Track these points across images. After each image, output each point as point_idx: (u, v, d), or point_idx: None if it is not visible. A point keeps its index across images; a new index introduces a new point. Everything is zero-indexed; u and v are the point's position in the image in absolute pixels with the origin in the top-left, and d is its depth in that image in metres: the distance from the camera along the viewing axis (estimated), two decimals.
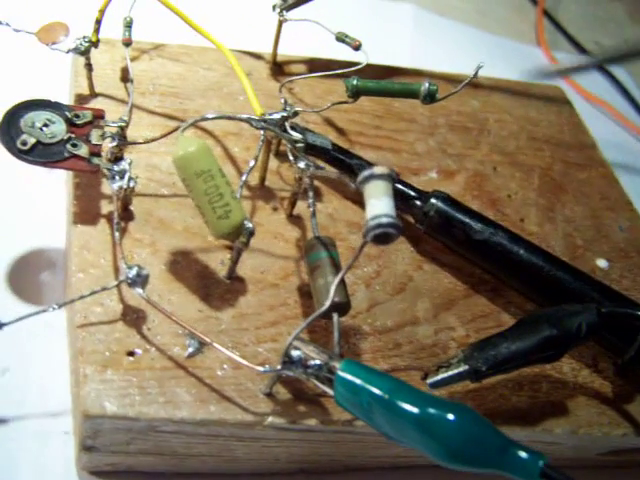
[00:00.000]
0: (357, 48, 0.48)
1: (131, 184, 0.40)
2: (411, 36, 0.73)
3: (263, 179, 0.46)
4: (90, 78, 0.46)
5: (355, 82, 0.45)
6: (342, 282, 0.37)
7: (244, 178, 0.41)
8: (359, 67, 0.47)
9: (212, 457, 0.38)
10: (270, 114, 0.43)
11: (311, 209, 0.42)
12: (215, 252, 0.41)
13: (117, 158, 0.41)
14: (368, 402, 0.33)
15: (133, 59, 0.49)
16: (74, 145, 0.40)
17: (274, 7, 0.50)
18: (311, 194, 0.42)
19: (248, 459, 0.39)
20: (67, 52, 0.45)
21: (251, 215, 0.44)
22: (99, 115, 0.42)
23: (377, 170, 0.32)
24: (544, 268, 0.44)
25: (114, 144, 0.41)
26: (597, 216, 0.53)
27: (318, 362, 0.34)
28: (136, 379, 0.35)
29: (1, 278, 0.42)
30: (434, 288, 0.45)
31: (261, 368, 0.35)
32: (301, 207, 0.45)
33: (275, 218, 0.45)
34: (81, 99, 0.46)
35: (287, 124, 0.44)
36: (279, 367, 0.35)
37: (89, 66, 0.46)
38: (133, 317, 0.38)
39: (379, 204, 0.32)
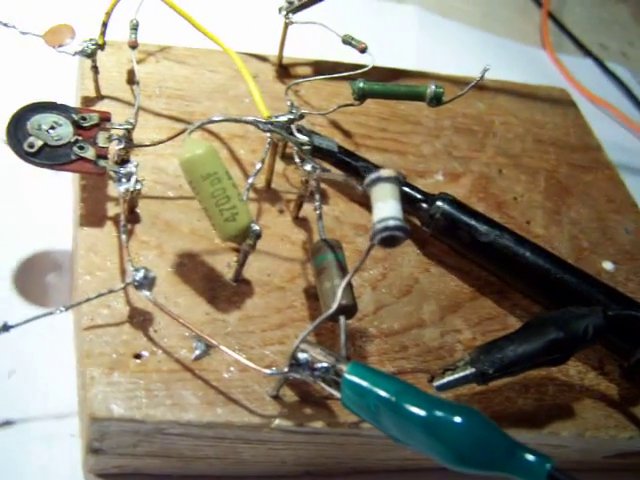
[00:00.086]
0: (363, 51, 0.48)
1: (137, 186, 0.40)
2: (416, 38, 0.73)
3: (269, 182, 0.46)
4: (96, 80, 0.46)
5: (361, 85, 0.45)
6: (349, 285, 0.37)
7: (250, 181, 0.41)
8: (365, 70, 0.47)
9: (219, 460, 0.38)
10: (276, 117, 0.43)
11: (317, 212, 0.42)
12: (222, 254, 0.41)
13: (123, 160, 0.41)
14: (375, 405, 0.33)
15: (139, 61, 0.49)
16: (81, 147, 0.40)
17: (280, 9, 0.50)
18: (317, 197, 0.42)
19: (254, 462, 0.39)
20: (73, 55, 0.45)
21: (257, 218, 0.44)
22: (105, 117, 0.42)
23: (384, 173, 0.32)
24: (550, 271, 0.44)
25: (121, 146, 0.41)
26: (603, 218, 0.53)
27: (325, 365, 0.34)
28: (143, 381, 0.35)
29: (8, 280, 0.43)
30: (440, 291, 0.45)
31: (268, 371, 0.35)
32: (307, 210, 0.45)
33: (281, 221, 0.45)
34: (87, 101, 0.46)
35: (293, 127, 0.44)
36: (286, 370, 0.35)
37: (95, 68, 0.46)
38: (140, 319, 0.38)
39: (386, 207, 0.32)
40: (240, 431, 0.36)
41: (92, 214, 0.41)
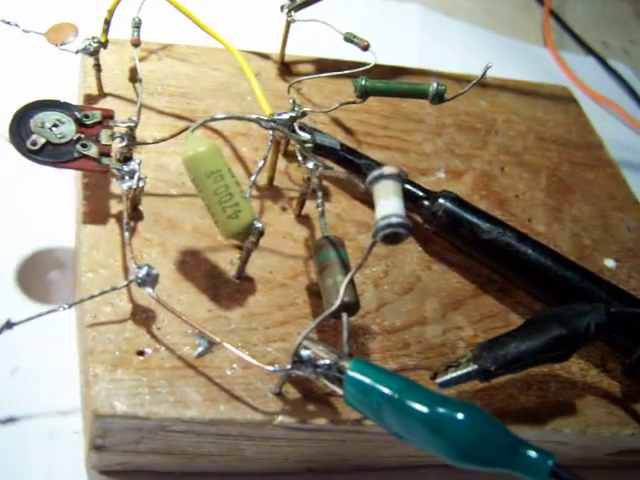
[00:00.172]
0: (365, 48, 0.48)
1: (140, 184, 0.40)
2: (418, 36, 0.73)
3: (272, 179, 0.46)
4: (99, 78, 0.46)
5: (363, 82, 0.45)
6: (351, 282, 0.37)
7: (253, 178, 0.41)
8: (367, 67, 0.47)
9: (221, 456, 0.38)
10: (279, 114, 0.43)
11: (320, 209, 0.42)
12: (224, 252, 0.42)
13: (126, 158, 0.41)
14: (377, 401, 0.33)
15: (142, 59, 0.49)
16: (84, 145, 0.40)
17: (282, 7, 0.50)
18: (320, 194, 0.42)
19: (257, 458, 0.39)
20: (76, 53, 0.45)
21: (260, 215, 0.44)
22: (108, 115, 0.42)
23: (386, 170, 0.32)
24: (552, 268, 0.44)
25: (123, 144, 0.41)
26: (605, 216, 0.53)
27: (327, 362, 0.34)
28: (146, 378, 0.36)
29: (11, 278, 0.43)
30: (442, 288, 0.45)
31: (270, 368, 0.35)
32: (310, 207, 0.45)
33: (284, 218, 0.45)
34: (90, 99, 0.46)
35: (296, 124, 0.44)
36: (289, 367, 0.35)
37: (98, 66, 0.46)
38: (143, 317, 0.38)
39: (388, 204, 0.32)
40: (243, 428, 0.36)
41: (95, 212, 0.41)
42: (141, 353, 0.36)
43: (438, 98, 0.44)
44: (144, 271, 0.36)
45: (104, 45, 0.46)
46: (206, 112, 0.48)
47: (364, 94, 0.45)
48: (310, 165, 0.42)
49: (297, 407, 0.37)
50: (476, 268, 0.46)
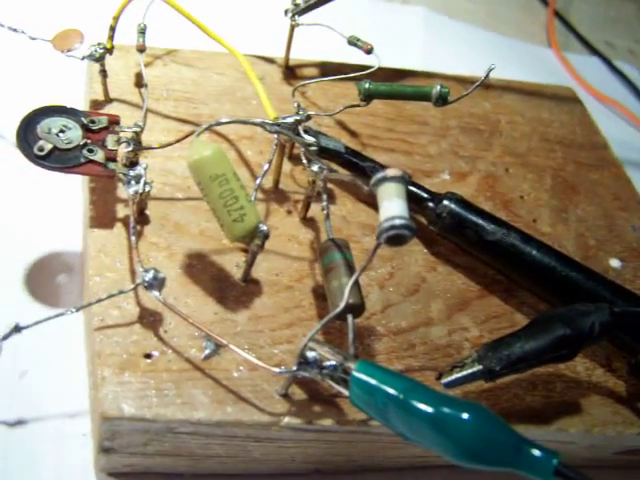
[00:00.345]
0: (369, 52, 0.48)
1: (146, 188, 0.40)
2: (422, 39, 0.73)
3: (277, 182, 0.46)
4: (105, 84, 0.47)
5: (367, 85, 0.45)
6: (356, 284, 0.38)
7: (258, 182, 0.42)
8: (371, 70, 0.48)
9: (229, 458, 0.39)
10: (283, 118, 0.43)
11: (325, 212, 0.42)
12: (230, 255, 0.42)
13: (132, 163, 0.42)
14: (383, 402, 0.33)
15: (147, 65, 0.50)
16: (90, 150, 0.40)
17: (286, 12, 0.51)
18: (325, 197, 0.42)
19: (265, 460, 0.39)
20: (82, 59, 0.45)
21: (265, 218, 0.44)
22: (114, 121, 0.42)
23: (390, 172, 0.33)
24: (557, 268, 0.44)
25: (129, 149, 0.42)
26: (610, 216, 0.53)
27: (333, 363, 0.35)
28: (153, 381, 0.36)
29: (19, 281, 0.43)
30: (448, 289, 0.45)
31: (277, 369, 0.35)
32: (315, 210, 0.45)
33: (289, 221, 0.45)
34: (96, 105, 0.47)
35: (300, 128, 0.45)
36: (295, 368, 0.35)
37: (104, 72, 0.46)
38: (150, 320, 0.38)
39: (392, 206, 0.32)
40: (250, 429, 0.36)
41: (102, 216, 0.41)
42: (148, 356, 0.37)
43: (441, 100, 0.45)
44: (151, 274, 0.36)
45: (110, 51, 0.46)
46: (211, 116, 0.48)
47: (368, 97, 0.46)
48: (315, 168, 0.42)
49: (303, 408, 0.37)
50: (481, 269, 0.46)
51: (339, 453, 0.40)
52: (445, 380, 0.38)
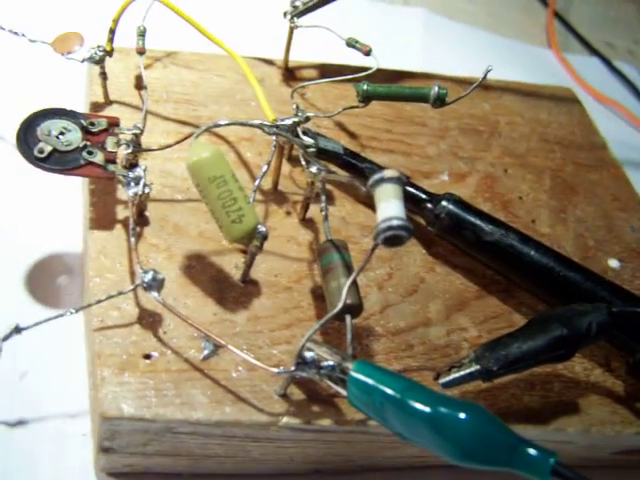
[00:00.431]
0: (367, 53, 0.48)
1: (146, 190, 0.40)
2: (422, 40, 0.73)
3: (276, 184, 0.46)
4: (105, 86, 0.47)
5: (365, 87, 0.46)
6: (354, 284, 0.38)
7: (257, 183, 0.42)
8: (370, 72, 0.48)
9: (228, 458, 0.39)
10: (282, 119, 0.43)
11: (323, 213, 0.42)
12: (229, 256, 0.42)
13: (132, 165, 0.42)
14: (381, 402, 0.34)
15: (147, 67, 0.50)
16: (90, 152, 0.40)
17: (285, 14, 0.51)
18: (323, 198, 0.42)
19: (264, 460, 0.39)
20: (82, 61, 0.46)
21: (264, 219, 0.45)
22: (114, 123, 0.42)
23: (387, 173, 0.33)
24: (555, 269, 0.44)
25: (129, 151, 0.42)
26: (608, 216, 0.53)
27: (331, 363, 0.35)
28: (152, 381, 0.36)
29: (20, 283, 0.43)
30: (446, 290, 0.45)
31: (275, 369, 0.36)
32: (314, 211, 0.45)
33: (288, 222, 0.45)
34: (96, 107, 0.47)
35: (299, 129, 0.45)
36: (293, 368, 0.35)
37: (104, 75, 0.47)
38: (149, 321, 0.38)
39: (389, 207, 0.32)
40: (248, 429, 0.36)
41: (102, 218, 0.42)
42: (148, 356, 0.37)
43: (439, 102, 0.45)
44: (150, 275, 0.37)
45: (109, 54, 0.46)
46: (211, 118, 0.49)
47: (366, 98, 0.46)
48: (313, 169, 0.42)
49: (302, 408, 0.37)
50: (479, 270, 0.47)
51: (338, 453, 0.40)
52: (443, 380, 0.38)
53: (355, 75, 0.48)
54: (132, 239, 0.39)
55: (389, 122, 0.54)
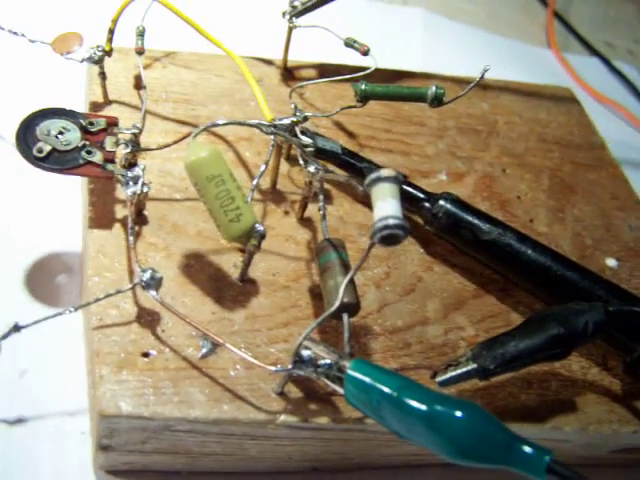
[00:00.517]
0: (365, 53, 0.48)
1: (144, 189, 0.40)
2: (422, 40, 0.74)
3: (274, 183, 0.47)
4: (104, 86, 0.47)
5: (363, 87, 0.46)
6: (351, 283, 0.38)
7: (255, 182, 0.42)
8: (368, 72, 0.48)
9: (226, 456, 0.39)
10: (280, 119, 0.44)
11: (321, 212, 0.42)
12: (228, 255, 0.42)
13: (131, 164, 0.42)
14: (377, 400, 0.34)
15: (146, 67, 0.50)
16: (88, 152, 0.40)
17: (284, 14, 0.51)
18: (321, 197, 0.43)
19: (262, 458, 0.40)
20: (81, 61, 0.46)
21: (263, 218, 0.45)
22: (113, 122, 0.42)
23: (384, 173, 0.33)
24: (552, 268, 0.45)
25: (128, 150, 0.42)
26: (606, 216, 0.54)
27: (328, 361, 0.35)
28: (151, 379, 0.36)
29: (20, 282, 0.43)
30: (444, 289, 0.45)
31: (272, 368, 0.36)
32: (312, 210, 0.45)
33: (286, 221, 0.45)
34: (96, 107, 0.47)
35: (297, 129, 0.45)
36: (290, 366, 0.35)
37: (103, 75, 0.47)
38: (148, 319, 0.38)
39: (386, 206, 0.32)
40: (246, 427, 0.37)
41: (101, 217, 0.42)
42: (146, 355, 0.37)
43: (437, 101, 0.45)
44: (148, 274, 0.37)
45: (108, 53, 0.46)
46: (210, 118, 0.49)
47: (364, 98, 0.46)
48: (311, 169, 0.43)
49: (299, 406, 0.37)
50: (477, 269, 0.47)
51: (335, 451, 0.40)
52: (440, 379, 0.38)
53: (353, 75, 0.48)
54: (131, 238, 0.39)
55: (388, 122, 0.54)
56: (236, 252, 0.42)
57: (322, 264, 0.40)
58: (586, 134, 0.59)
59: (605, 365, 0.44)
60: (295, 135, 0.45)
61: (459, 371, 0.38)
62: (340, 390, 0.35)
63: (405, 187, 0.46)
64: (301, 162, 0.44)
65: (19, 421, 0.39)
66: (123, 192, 0.41)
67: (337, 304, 0.35)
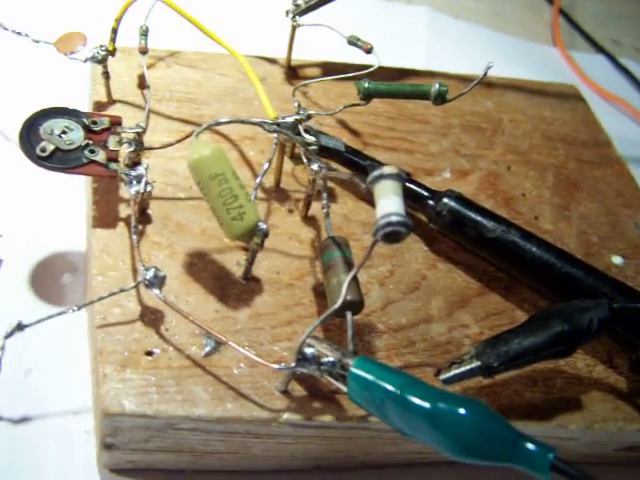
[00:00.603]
0: (369, 51, 0.48)
1: (148, 188, 0.40)
2: (426, 39, 0.74)
3: (278, 181, 0.47)
4: (108, 86, 0.47)
5: (366, 84, 0.46)
6: (355, 281, 0.38)
7: (258, 181, 0.42)
8: (371, 70, 0.48)
9: (229, 454, 0.39)
10: (283, 117, 0.44)
11: (325, 210, 0.42)
12: (231, 253, 0.42)
13: (134, 163, 0.42)
14: (381, 398, 0.34)
15: (150, 66, 0.50)
16: (92, 151, 0.41)
17: (287, 12, 0.51)
18: (325, 195, 0.43)
19: (265, 456, 0.40)
20: (85, 61, 0.46)
21: (267, 217, 0.45)
22: (116, 122, 0.43)
23: (386, 170, 0.33)
24: (556, 265, 0.44)
25: (131, 149, 0.42)
26: (612, 213, 0.53)
27: (331, 359, 0.35)
28: (154, 378, 0.36)
29: (24, 281, 0.44)
30: (448, 286, 0.45)
31: (276, 366, 0.36)
32: (316, 209, 0.45)
33: (290, 220, 0.45)
34: (100, 106, 0.47)
35: (301, 127, 0.45)
36: (293, 364, 0.35)
37: (106, 74, 0.47)
38: (151, 318, 0.38)
39: (389, 203, 0.32)
40: (250, 425, 0.37)
41: (104, 216, 0.42)
42: (149, 353, 0.37)
43: (440, 99, 0.45)
44: (151, 273, 0.37)
45: (112, 53, 0.46)
46: (213, 117, 0.49)
47: (367, 96, 0.46)
48: (314, 167, 0.43)
49: (303, 404, 0.37)
50: (481, 266, 0.47)
51: (339, 449, 0.40)
52: (443, 376, 0.38)
53: (357, 73, 0.48)
54: (134, 237, 0.39)
55: (392, 120, 0.54)
56: (239, 251, 0.42)
57: (326, 262, 0.40)
58: (591, 131, 0.59)
59: (611, 363, 0.44)
60: (298, 133, 0.45)
61: (463, 369, 0.38)
62: (344, 388, 0.35)
63: (409, 185, 0.46)
64: (305, 160, 0.44)
65: (24, 420, 0.39)
66: (127, 191, 0.41)
67: (340, 302, 0.35)
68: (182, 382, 0.36)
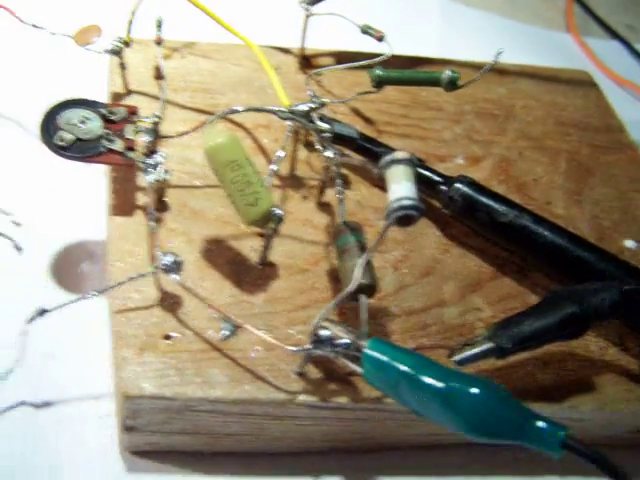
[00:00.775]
0: (380, 39, 0.49)
1: (165, 176, 0.41)
2: (438, 27, 0.74)
3: (293, 169, 0.47)
4: (124, 77, 0.48)
5: (378, 72, 0.46)
6: (369, 264, 0.39)
7: (272, 167, 0.43)
8: (384, 58, 0.48)
9: (247, 436, 0.40)
10: (296, 105, 0.44)
11: (338, 196, 0.43)
12: (247, 239, 0.43)
13: (151, 152, 0.43)
14: (395, 378, 0.34)
15: (165, 57, 0.51)
16: (109, 140, 0.41)
17: (300, 2, 0.52)
18: (338, 182, 0.43)
19: (282, 437, 0.40)
20: (102, 53, 0.47)
21: (281, 203, 0.45)
22: (133, 111, 0.43)
23: (398, 155, 0.33)
24: (569, 249, 0.45)
25: (148, 138, 0.43)
26: (625, 198, 0.54)
27: (346, 341, 0.36)
28: (173, 361, 0.37)
29: (45, 268, 0.44)
30: (460, 271, 0.46)
31: (292, 347, 0.36)
32: (331, 195, 0.46)
33: (305, 206, 0.46)
34: (117, 97, 0.48)
35: (315, 115, 0.45)
36: (309, 346, 0.36)
37: (122, 65, 0.48)
38: (169, 302, 0.39)
39: (400, 187, 0.33)
40: (266, 407, 0.37)
41: (123, 204, 0.43)
42: (168, 337, 0.38)
43: (452, 85, 0.45)
44: (170, 258, 0.38)
45: (128, 44, 0.47)
46: (228, 106, 0.48)
47: (380, 84, 0.47)
48: (328, 154, 0.43)
49: (319, 386, 0.38)
50: (494, 251, 0.47)
51: (355, 431, 0.41)
52: (456, 358, 0.39)
53: (370, 61, 0.49)
54: (152, 224, 0.40)
55: (405, 107, 0.54)
56: (255, 236, 0.43)
57: (340, 247, 0.41)
58: (604, 117, 0.59)
59: (623, 345, 0.45)
60: (312, 121, 0.45)
61: (476, 350, 0.38)
62: (359, 369, 0.36)
63: (421, 170, 0.47)
64: (318, 147, 0.44)
65: (45, 404, 0.40)
66: (144, 179, 0.41)
67: (355, 284, 0.36)
68: (200, 365, 0.37)
